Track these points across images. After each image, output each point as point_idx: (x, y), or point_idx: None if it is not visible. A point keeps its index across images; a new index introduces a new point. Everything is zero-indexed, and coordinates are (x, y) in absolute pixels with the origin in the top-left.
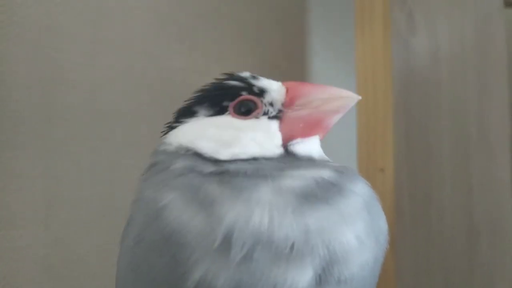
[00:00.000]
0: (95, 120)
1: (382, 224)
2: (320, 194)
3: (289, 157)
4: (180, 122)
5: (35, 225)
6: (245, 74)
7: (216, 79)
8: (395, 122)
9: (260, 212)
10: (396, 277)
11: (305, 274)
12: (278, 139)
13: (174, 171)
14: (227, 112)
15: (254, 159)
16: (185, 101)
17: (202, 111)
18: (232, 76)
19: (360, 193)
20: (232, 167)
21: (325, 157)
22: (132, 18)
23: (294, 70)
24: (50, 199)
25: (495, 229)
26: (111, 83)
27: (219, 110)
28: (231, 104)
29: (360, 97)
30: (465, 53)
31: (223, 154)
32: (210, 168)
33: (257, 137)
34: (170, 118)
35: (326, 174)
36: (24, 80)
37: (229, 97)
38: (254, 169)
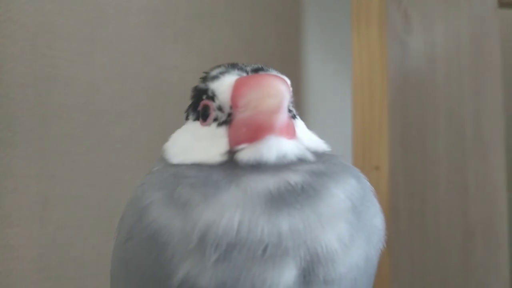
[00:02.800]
0: (91, 119)
1: (377, 222)
2: (289, 199)
3: (232, 164)
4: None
5: (30, 224)
6: (213, 71)
7: (199, 78)
8: (390, 121)
9: (230, 215)
10: (391, 276)
11: (285, 275)
12: (222, 146)
13: (154, 172)
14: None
15: (197, 164)
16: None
17: (190, 115)
18: (204, 76)
19: (345, 193)
20: (180, 170)
21: (303, 155)
22: (128, 17)
23: (289, 71)
24: (45, 199)
25: (490, 229)
26: (107, 82)
27: (197, 114)
28: (199, 109)
29: (289, 93)
30: (460, 53)
31: (176, 159)
32: (168, 172)
33: (205, 145)
34: (165, 117)
35: (292, 178)
36: (20, 78)
37: (198, 101)
38: (200, 175)
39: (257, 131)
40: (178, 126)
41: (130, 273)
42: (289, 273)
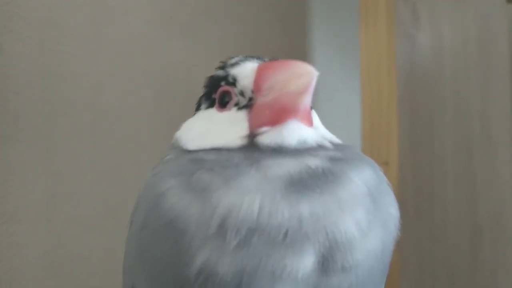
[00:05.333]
0: (97, 116)
1: (392, 211)
2: (309, 183)
3: (253, 147)
4: (194, 115)
5: (36, 221)
6: (232, 60)
7: (215, 68)
8: (399, 116)
9: (250, 200)
10: (400, 271)
11: (304, 261)
12: (242, 130)
13: (167, 161)
14: (215, 105)
15: (216, 149)
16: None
17: (203, 104)
18: (221, 65)
19: (362, 180)
20: (198, 156)
21: (322, 142)
22: (135, 14)
23: None
24: (51, 196)
25: (497, 225)
26: (113, 79)
27: (211, 103)
28: (216, 96)
29: (317, 73)
30: (468, 48)
31: (192, 145)
32: (184, 158)
33: (223, 129)
34: (171, 114)
35: (313, 163)
36: (26, 75)
37: (214, 89)
38: (220, 159)
39: (280, 114)
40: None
41: (146, 262)
42: (308, 259)
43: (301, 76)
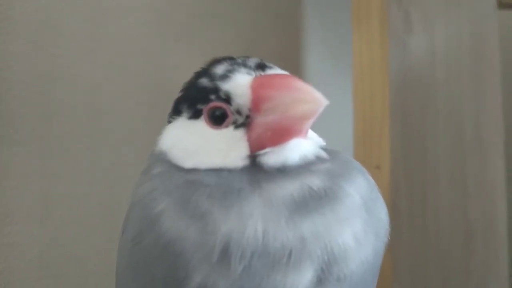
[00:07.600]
0: (93, 117)
1: (383, 216)
2: (311, 204)
3: (255, 168)
4: (172, 119)
5: (31, 222)
6: (216, 67)
7: (195, 73)
8: (391, 120)
9: (253, 224)
10: (392, 275)
11: (303, 277)
12: (243, 150)
13: (154, 175)
14: (202, 116)
15: (216, 170)
16: (178, 94)
17: (184, 111)
18: (204, 72)
19: (357, 191)
20: (196, 177)
21: (318, 153)
22: (131, 16)
23: (291, 70)
24: (47, 197)
25: (489, 229)
26: (108, 81)
27: (195, 113)
28: (204, 109)
29: (328, 102)
30: (460, 53)
31: (188, 163)
32: (180, 177)
33: (222, 149)
34: (167, 116)
35: (314, 183)
36: (22, 76)
37: (200, 99)
38: (222, 183)
39: (283, 135)
40: None
41: (139, 275)
42: (307, 275)
43: (308, 103)
